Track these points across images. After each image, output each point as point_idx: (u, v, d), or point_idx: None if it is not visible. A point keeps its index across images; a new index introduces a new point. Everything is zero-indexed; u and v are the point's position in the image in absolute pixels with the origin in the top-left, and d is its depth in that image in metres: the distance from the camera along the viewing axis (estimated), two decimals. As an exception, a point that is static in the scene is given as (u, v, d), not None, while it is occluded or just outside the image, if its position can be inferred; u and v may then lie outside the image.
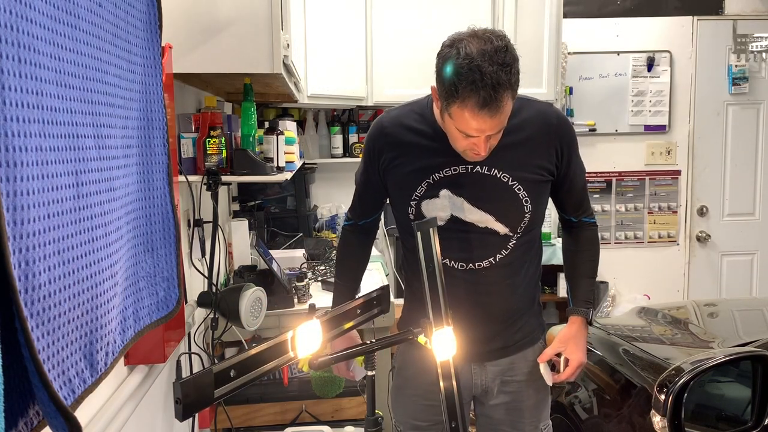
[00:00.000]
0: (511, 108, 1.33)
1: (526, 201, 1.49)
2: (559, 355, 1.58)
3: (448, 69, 1.28)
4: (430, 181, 1.49)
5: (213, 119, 1.74)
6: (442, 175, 1.48)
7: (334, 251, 3.12)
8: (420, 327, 1.36)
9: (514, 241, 1.52)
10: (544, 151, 1.49)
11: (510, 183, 1.47)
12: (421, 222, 1.38)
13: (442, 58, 1.32)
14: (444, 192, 1.49)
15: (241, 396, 2.24)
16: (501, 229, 1.50)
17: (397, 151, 1.52)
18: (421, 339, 1.36)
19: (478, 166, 1.46)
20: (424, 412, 1.62)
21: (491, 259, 1.52)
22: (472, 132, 1.33)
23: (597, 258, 1.65)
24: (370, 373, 1.31)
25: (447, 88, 1.29)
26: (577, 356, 1.54)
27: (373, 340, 1.35)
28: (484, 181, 1.47)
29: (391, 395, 1.72)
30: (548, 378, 1.56)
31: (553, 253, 3.45)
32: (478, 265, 1.52)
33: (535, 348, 1.62)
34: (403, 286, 1.77)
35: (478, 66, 1.24)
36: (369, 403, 1.32)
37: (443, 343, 1.36)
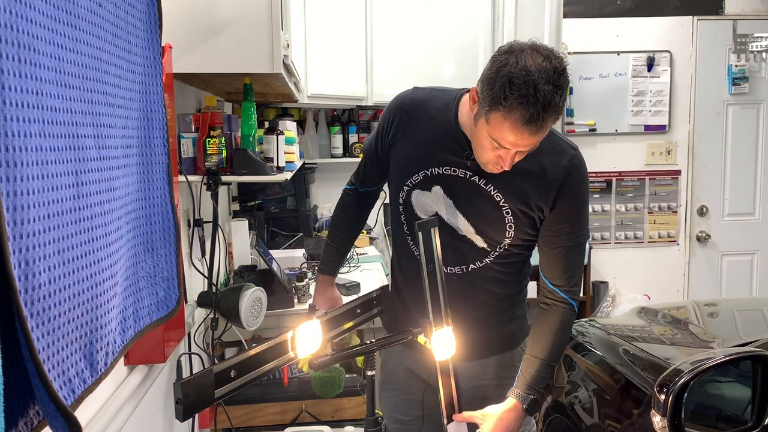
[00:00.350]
0: (548, 130, 1.30)
1: (510, 227, 1.45)
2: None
3: (502, 75, 1.23)
4: (427, 173, 1.47)
5: (213, 119, 1.74)
6: (440, 172, 1.47)
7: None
8: (419, 327, 1.37)
9: (491, 258, 1.49)
10: (544, 189, 1.43)
11: (501, 204, 1.44)
12: (423, 222, 1.37)
13: (496, 63, 1.27)
14: (437, 188, 1.48)
15: (241, 396, 2.24)
16: (479, 242, 1.48)
17: (408, 132, 1.50)
18: (421, 339, 1.36)
19: (476, 177, 1.44)
20: (405, 406, 1.63)
21: (464, 267, 1.50)
22: (506, 144, 1.29)
23: (563, 343, 1.51)
24: (369, 373, 1.31)
25: (495, 94, 1.24)
26: None
27: (373, 340, 1.35)
28: (477, 192, 1.45)
29: (377, 390, 1.72)
30: None
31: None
32: (450, 269, 1.50)
33: (514, 352, 1.57)
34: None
35: (534, 81, 1.20)
36: (369, 403, 1.32)
37: (442, 344, 1.36)
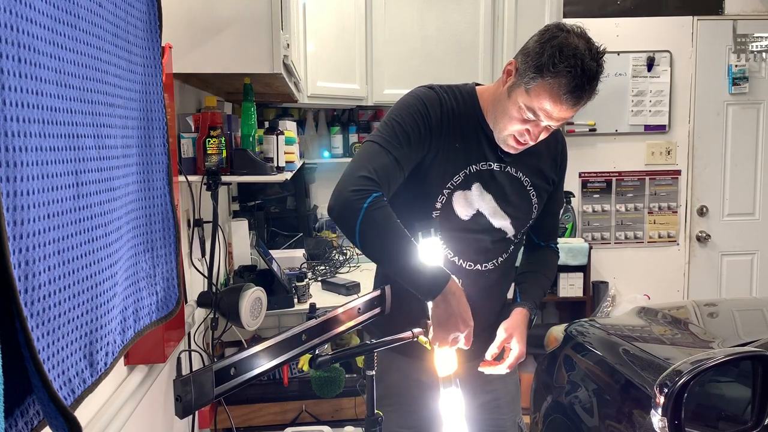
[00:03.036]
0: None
1: (535, 207, 1.53)
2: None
3: (552, 45, 1.29)
4: (467, 171, 1.45)
5: (213, 119, 1.74)
6: (478, 168, 1.46)
7: (334, 251, 3.13)
8: (421, 327, 1.36)
9: (513, 246, 1.55)
10: (552, 162, 1.55)
11: (528, 187, 1.51)
12: (423, 223, 1.37)
13: (545, 35, 1.32)
14: (476, 186, 1.47)
15: (241, 396, 2.24)
16: (510, 231, 1.51)
17: (449, 130, 1.43)
18: (422, 339, 1.35)
19: (509, 166, 1.48)
20: (404, 419, 1.58)
21: (495, 261, 1.53)
22: (542, 114, 1.33)
23: (552, 280, 1.68)
24: (369, 373, 1.31)
25: (544, 62, 1.29)
26: (519, 347, 1.49)
27: (374, 340, 1.35)
28: (511, 181, 1.49)
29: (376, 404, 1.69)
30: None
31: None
32: (485, 267, 1.52)
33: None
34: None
35: (582, 56, 1.28)
36: (369, 403, 1.32)
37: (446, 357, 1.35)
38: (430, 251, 1.35)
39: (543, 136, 1.40)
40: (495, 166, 1.47)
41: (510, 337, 1.49)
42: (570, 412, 2.01)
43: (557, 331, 2.31)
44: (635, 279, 3.96)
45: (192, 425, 1.93)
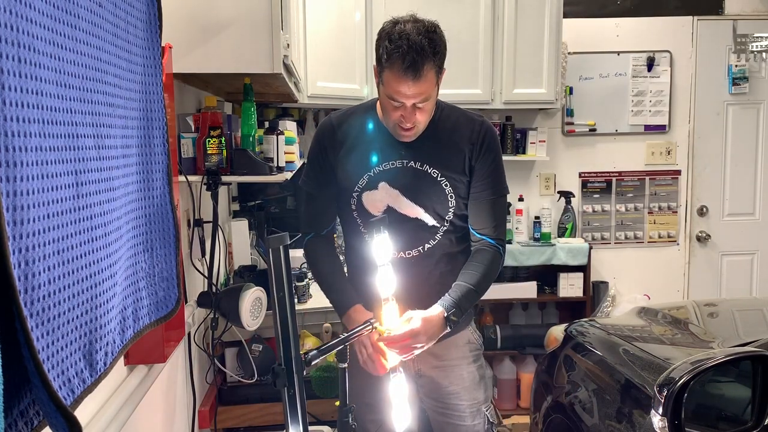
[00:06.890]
0: (433, 83, 1.50)
1: (451, 196, 1.63)
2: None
3: (382, 38, 1.49)
4: (371, 174, 1.63)
5: (213, 119, 1.74)
6: (381, 169, 1.62)
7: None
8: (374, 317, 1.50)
9: (441, 234, 1.65)
10: (468, 152, 1.63)
11: (438, 179, 1.62)
12: (374, 220, 1.50)
13: (381, 32, 1.51)
14: (383, 184, 1.63)
15: (241, 396, 2.24)
16: (429, 220, 1.64)
17: (345, 146, 1.64)
18: (380, 329, 1.49)
19: (412, 162, 1.62)
20: (371, 389, 1.66)
21: (419, 248, 1.65)
22: (398, 96, 1.48)
23: (490, 279, 1.64)
24: (342, 365, 1.37)
25: (379, 55, 1.50)
26: (418, 326, 1.49)
27: (342, 336, 1.41)
28: (417, 175, 1.62)
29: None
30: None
31: (553, 252, 3.45)
32: (408, 254, 1.65)
33: (465, 332, 1.73)
34: None
35: (408, 35, 1.45)
36: (341, 394, 1.40)
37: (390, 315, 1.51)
38: (380, 246, 1.49)
39: (419, 115, 1.52)
40: (398, 164, 1.63)
41: (413, 319, 1.51)
42: (570, 412, 2.01)
43: (557, 331, 2.32)
44: (635, 279, 3.96)
45: (192, 425, 1.93)
